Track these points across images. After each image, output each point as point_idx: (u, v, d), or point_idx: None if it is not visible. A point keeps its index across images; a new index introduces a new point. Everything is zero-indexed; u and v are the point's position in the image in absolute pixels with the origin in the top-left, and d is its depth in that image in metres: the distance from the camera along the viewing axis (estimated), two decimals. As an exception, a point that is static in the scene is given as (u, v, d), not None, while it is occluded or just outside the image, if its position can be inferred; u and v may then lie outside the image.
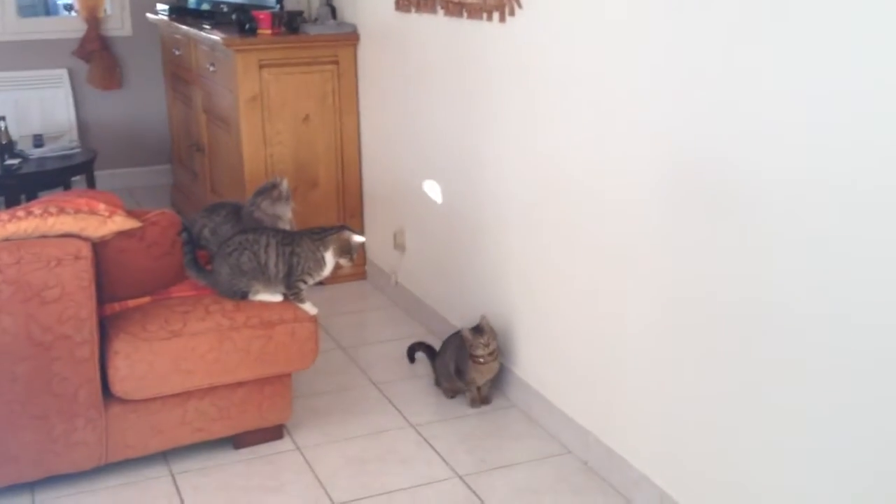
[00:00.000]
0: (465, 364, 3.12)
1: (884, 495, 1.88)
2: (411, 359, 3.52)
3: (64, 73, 5.93)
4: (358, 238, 2.90)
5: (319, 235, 2.88)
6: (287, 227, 3.14)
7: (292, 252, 2.83)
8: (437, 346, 3.40)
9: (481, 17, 3.15)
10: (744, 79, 2.09)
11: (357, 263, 4.40)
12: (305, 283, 2.87)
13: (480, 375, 3.13)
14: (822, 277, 1.95)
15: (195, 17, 5.09)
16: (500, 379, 3.29)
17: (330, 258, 2.88)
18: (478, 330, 3.10)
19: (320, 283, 2.99)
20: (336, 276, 4.32)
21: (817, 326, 1.98)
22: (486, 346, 3.08)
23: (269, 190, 3.14)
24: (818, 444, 2.02)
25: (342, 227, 2.91)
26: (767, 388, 2.14)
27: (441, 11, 3.43)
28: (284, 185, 3.16)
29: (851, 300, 1.89)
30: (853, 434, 1.93)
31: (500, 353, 3.17)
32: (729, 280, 2.21)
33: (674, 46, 2.30)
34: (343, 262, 2.90)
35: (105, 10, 5.98)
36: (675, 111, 2.32)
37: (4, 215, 2.51)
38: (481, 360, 3.08)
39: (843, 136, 1.86)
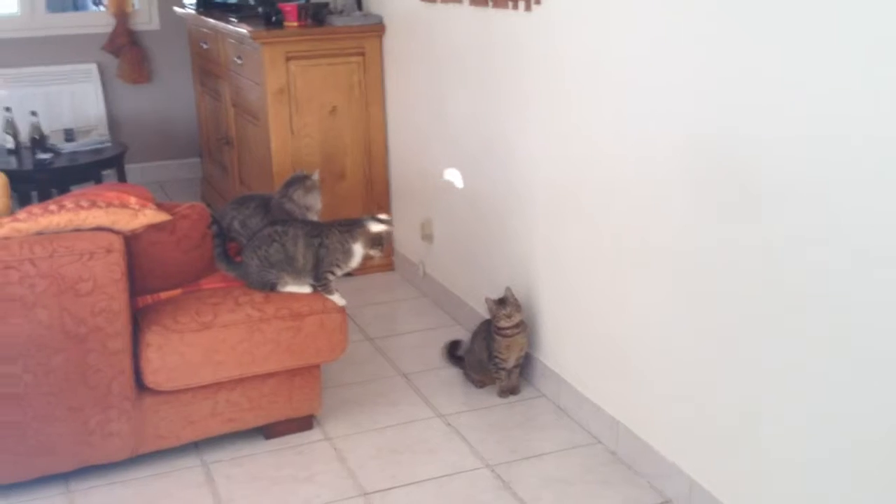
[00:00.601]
0: (494, 344, 3.13)
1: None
2: (453, 357, 3.48)
3: (93, 67, 5.98)
4: (386, 228, 2.91)
5: (348, 228, 2.89)
6: (316, 218, 3.17)
7: (321, 244, 2.85)
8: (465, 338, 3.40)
9: (507, 6, 3.14)
10: (766, 58, 2.07)
11: (385, 254, 4.44)
12: (334, 274, 2.88)
13: (508, 351, 3.12)
14: (846, 259, 1.93)
15: (222, 10, 5.11)
16: (527, 368, 3.29)
17: (359, 249, 2.89)
18: (502, 301, 3.12)
19: (349, 274, 3.01)
20: (364, 268, 4.33)
21: (843, 310, 1.96)
22: (510, 317, 3.09)
23: (301, 180, 3.21)
24: (847, 430, 2.01)
25: (371, 219, 2.92)
26: (795, 374, 2.12)
27: (466, 1, 3.43)
28: (315, 175, 3.23)
29: (875, 284, 1.87)
30: (880, 421, 1.92)
31: (528, 330, 3.17)
32: (754, 264, 2.20)
33: (700, 30, 2.28)
34: (373, 252, 2.91)
35: (133, 5, 6.03)
36: (700, 94, 2.30)
37: (37, 209, 2.54)
38: (508, 332, 3.09)
39: (867, 120, 1.84)
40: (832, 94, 1.93)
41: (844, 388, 2.00)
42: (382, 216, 2.93)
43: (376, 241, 2.90)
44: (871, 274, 1.89)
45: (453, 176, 3.76)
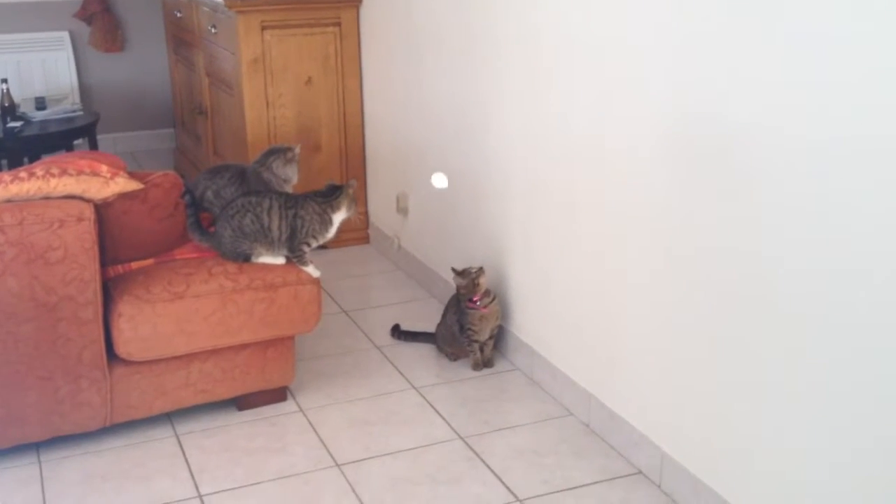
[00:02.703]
0: (465, 317, 3.13)
1: (883, 453, 1.89)
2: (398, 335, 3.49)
3: (65, 35, 5.89)
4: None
5: (326, 198, 2.88)
6: (290, 190, 3.16)
7: (296, 215, 2.83)
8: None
9: (485, -22, 3.12)
10: (747, 36, 2.07)
11: (360, 227, 4.43)
12: (310, 245, 2.87)
13: (480, 323, 3.13)
14: (824, 236, 1.94)
15: (197, -22, 5.04)
16: (502, 341, 3.30)
17: (338, 219, 2.90)
18: (462, 273, 3.14)
19: (323, 246, 3.00)
20: (339, 240, 4.32)
21: (819, 286, 1.97)
22: (475, 286, 3.09)
23: (283, 151, 3.22)
24: (816, 406, 2.03)
25: (347, 185, 2.94)
26: (767, 350, 2.14)
27: (444, -28, 3.40)
28: (297, 149, 3.23)
29: (852, 260, 1.89)
30: (851, 396, 1.94)
31: (499, 302, 3.19)
32: (730, 241, 2.21)
33: (676, 4, 2.27)
34: (350, 214, 2.94)
35: (106, -28, 5.94)
36: (677, 70, 2.30)
37: (7, 176, 2.51)
38: (478, 303, 3.10)
39: (845, 95, 1.85)
40: (815, 80, 1.93)
41: (819, 366, 2.02)
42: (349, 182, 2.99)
43: (353, 202, 2.94)
44: (852, 254, 1.90)
45: (430, 149, 3.75)
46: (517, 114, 3.07)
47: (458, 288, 3.15)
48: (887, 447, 1.88)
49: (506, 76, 3.11)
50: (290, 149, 3.22)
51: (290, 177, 3.21)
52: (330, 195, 2.90)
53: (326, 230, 2.90)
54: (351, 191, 2.93)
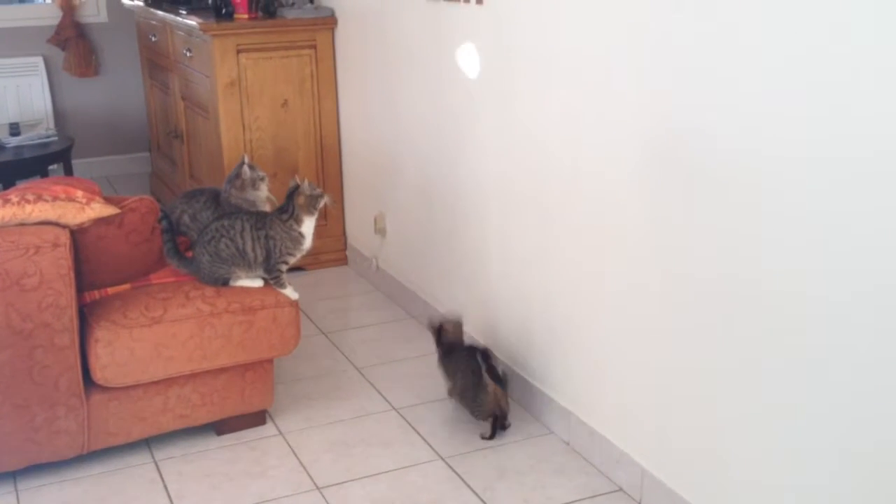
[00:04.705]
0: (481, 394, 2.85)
1: (865, 470, 1.91)
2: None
3: (39, 60, 5.87)
4: (307, 186, 2.85)
5: (288, 214, 2.83)
6: (266, 207, 3.11)
7: (266, 236, 2.82)
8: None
9: (458, 0, 3.14)
10: (723, 53, 2.10)
11: (338, 248, 4.43)
12: (287, 263, 2.86)
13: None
14: (804, 253, 1.96)
15: (171, 2, 5.04)
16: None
17: (307, 229, 2.85)
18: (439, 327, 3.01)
19: (301, 268, 2.99)
20: (317, 262, 4.33)
21: (797, 302, 1.99)
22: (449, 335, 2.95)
23: (233, 179, 3.10)
24: (799, 423, 2.04)
25: (294, 191, 2.84)
26: (748, 366, 2.15)
27: (418, -6, 3.43)
28: (245, 170, 3.07)
29: (830, 275, 1.91)
30: (833, 417, 1.95)
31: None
32: (709, 256, 2.22)
33: (650, 22, 2.30)
34: (315, 214, 2.85)
35: (80, -3, 5.93)
36: (652, 87, 2.33)
37: (-19, 204, 2.49)
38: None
39: (822, 110, 1.88)
40: (792, 75, 1.96)
41: (799, 378, 2.03)
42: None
43: (313, 203, 2.84)
44: (830, 251, 1.92)
45: (407, 170, 3.76)
46: (491, 132, 3.09)
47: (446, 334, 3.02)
48: (869, 464, 1.89)
49: (479, 96, 3.13)
50: (237, 175, 3.08)
51: (255, 197, 3.09)
52: (287, 208, 2.85)
53: (300, 244, 2.86)
54: (306, 194, 2.81)
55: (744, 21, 2.02)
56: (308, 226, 2.86)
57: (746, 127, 2.05)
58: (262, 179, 3.10)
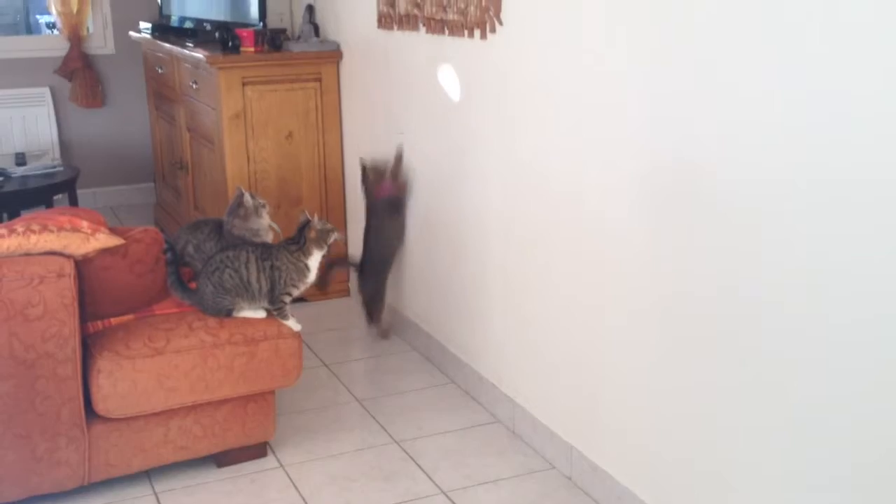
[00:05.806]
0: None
1: (860, 482, 1.91)
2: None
3: (46, 91, 5.92)
4: (318, 221, 2.88)
5: (297, 245, 2.87)
6: (269, 236, 3.12)
7: (272, 266, 2.83)
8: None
9: (462, 35, 3.17)
10: (720, 86, 2.12)
11: (341, 280, 4.43)
12: (291, 295, 2.86)
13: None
14: (801, 277, 1.97)
15: (178, 35, 5.10)
16: (483, 393, 3.29)
17: (314, 262, 2.87)
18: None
19: (303, 299, 2.99)
20: (320, 293, 4.33)
21: (797, 325, 1.99)
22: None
23: (235, 210, 3.13)
24: (798, 443, 2.04)
25: (305, 224, 2.88)
26: (749, 398, 2.15)
27: (423, 29, 3.46)
28: (247, 198, 3.10)
29: (825, 295, 1.91)
30: (838, 429, 1.95)
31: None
32: (708, 285, 2.23)
33: (651, 57, 2.32)
34: (324, 251, 2.88)
35: (88, 29, 5.98)
36: (652, 120, 2.34)
37: (-14, 234, 2.50)
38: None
39: (814, 138, 1.89)
40: (785, 103, 1.97)
41: (803, 413, 2.03)
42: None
43: (324, 238, 2.87)
44: (823, 272, 1.92)
45: (409, 201, 3.77)
46: (493, 164, 3.11)
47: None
48: (863, 476, 1.89)
49: (482, 129, 3.15)
50: (239, 205, 3.12)
51: (257, 227, 3.11)
52: (298, 240, 2.89)
53: (305, 277, 2.88)
54: (317, 228, 2.85)
55: (742, 56, 2.04)
56: (315, 259, 2.88)
57: (746, 162, 2.06)
58: (263, 206, 3.14)
